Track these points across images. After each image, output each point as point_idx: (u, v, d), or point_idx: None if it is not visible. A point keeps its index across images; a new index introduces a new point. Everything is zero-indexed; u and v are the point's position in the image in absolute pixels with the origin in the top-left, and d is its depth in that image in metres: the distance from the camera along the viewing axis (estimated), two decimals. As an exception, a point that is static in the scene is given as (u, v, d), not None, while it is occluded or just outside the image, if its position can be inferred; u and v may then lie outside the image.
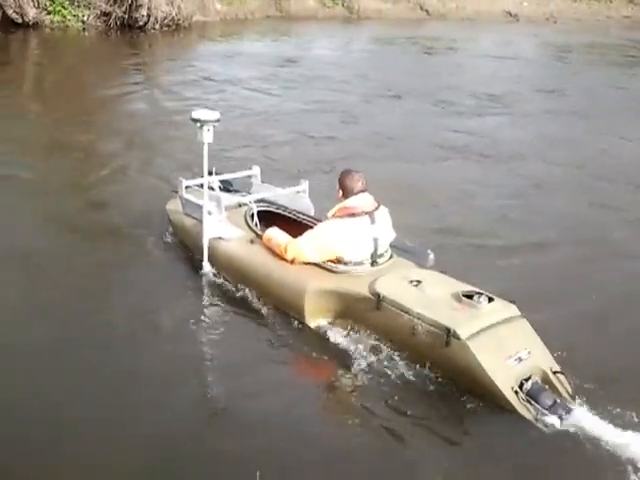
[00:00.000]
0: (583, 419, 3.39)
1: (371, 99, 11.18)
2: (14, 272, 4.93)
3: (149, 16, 16.41)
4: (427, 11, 21.80)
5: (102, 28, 16.44)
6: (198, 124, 4.66)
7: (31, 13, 15.93)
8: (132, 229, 5.62)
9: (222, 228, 4.82)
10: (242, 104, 10.38)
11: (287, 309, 4.35)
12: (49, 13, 16.29)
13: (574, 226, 6.34)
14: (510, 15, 22.24)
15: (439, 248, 4.68)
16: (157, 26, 16.50)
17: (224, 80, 11.97)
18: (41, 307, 4.53)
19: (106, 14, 16.44)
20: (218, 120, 4.69)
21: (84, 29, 16.32)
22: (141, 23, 16.44)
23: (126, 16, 16.38)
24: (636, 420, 3.41)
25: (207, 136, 4.69)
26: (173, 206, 5.33)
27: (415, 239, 4.80)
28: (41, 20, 16.15)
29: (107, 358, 3.97)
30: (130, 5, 16.29)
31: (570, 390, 3.64)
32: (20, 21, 15.89)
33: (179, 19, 16.84)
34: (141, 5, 16.23)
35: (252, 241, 4.70)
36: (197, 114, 4.68)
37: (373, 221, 4.32)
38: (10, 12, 15.80)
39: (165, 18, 16.60)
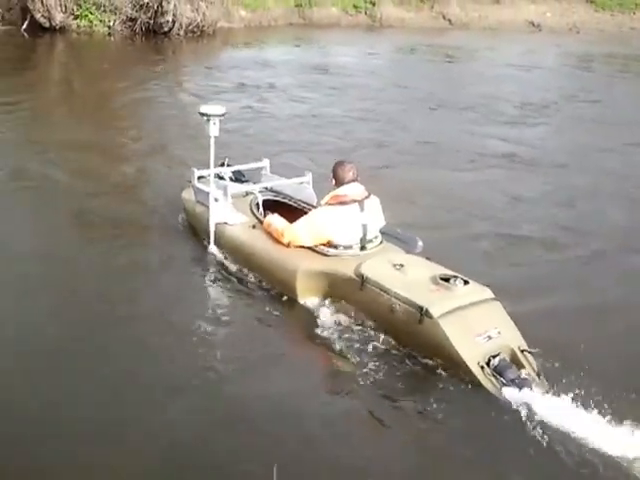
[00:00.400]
0: (545, 395, 3.62)
1: (407, 107, 11.18)
2: (42, 252, 5.39)
3: (174, 22, 16.59)
4: (449, 20, 21.83)
5: (127, 33, 16.64)
6: (205, 118, 5.02)
7: (58, 18, 16.16)
8: (151, 217, 6.11)
9: (227, 214, 5.20)
10: (275, 111, 10.45)
11: (281, 288, 4.72)
12: (76, 18, 16.53)
13: (626, 235, 6.26)
14: (533, 25, 22.21)
15: (480, 253, 4.77)
16: (182, 32, 16.67)
17: (252, 86, 12.03)
18: (66, 285, 4.91)
19: (132, 20, 16.64)
20: (224, 114, 5.04)
21: (110, 34, 16.52)
22: (166, 29, 16.62)
23: (151, 22, 16.58)
24: (596, 398, 3.59)
25: (213, 129, 5.04)
26: (187, 195, 5.71)
27: (460, 246, 5.01)
28: (68, 24, 16.39)
29: (118, 319, 4.41)
30: (156, 11, 16.49)
31: (536, 368, 3.86)
32: (48, 25, 16.15)
33: (204, 25, 16.99)
34: (166, 11, 16.41)
35: (254, 226, 5.07)
36: (204, 109, 5.05)
37: (362, 209, 4.64)
38: (38, 16, 16.05)
39: (190, 24, 16.76)
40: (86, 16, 16.54)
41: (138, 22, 16.56)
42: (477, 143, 9.15)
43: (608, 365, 4.07)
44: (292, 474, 3.19)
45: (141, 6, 16.54)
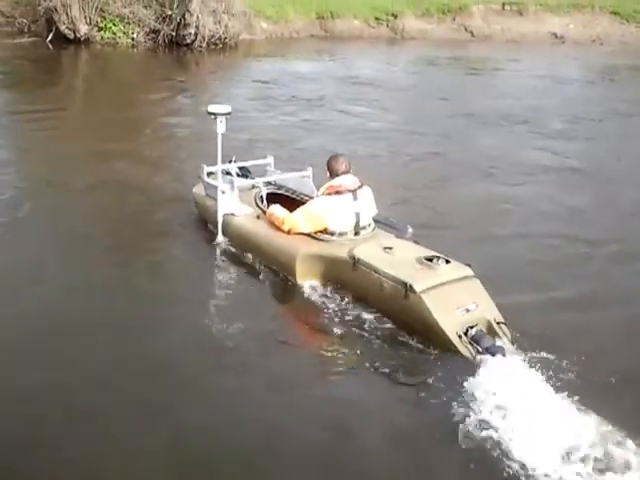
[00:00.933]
0: (518, 361, 4.05)
1: (446, 120, 11.05)
2: (61, 245, 5.93)
3: (196, 34, 16.69)
4: (472, 32, 21.74)
5: (150, 45, 16.75)
6: (213, 117, 5.52)
7: (83, 29, 16.31)
8: (166, 211, 6.65)
9: (234, 206, 5.69)
10: (306, 122, 10.42)
11: (282, 271, 5.22)
12: (100, 29, 16.66)
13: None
14: (556, 37, 22.07)
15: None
16: (204, 44, 16.75)
17: (279, 98, 12.06)
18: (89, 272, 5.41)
19: (155, 32, 16.76)
20: (229, 113, 5.53)
21: (133, 46, 16.64)
22: (188, 41, 16.71)
23: (174, 34, 16.69)
24: (563, 364, 4.12)
25: (220, 126, 5.54)
26: (197, 189, 6.25)
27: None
28: (92, 36, 16.53)
29: (134, 300, 4.97)
30: (178, 23, 16.60)
31: (510, 337, 4.31)
32: (72, 37, 16.29)
33: (226, 37, 17.07)
34: (189, 23, 16.51)
35: (258, 217, 5.58)
36: (212, 108, 5.55)
37: (356, 198, 5.09)
38: (63, 28, 16.22)
39: (212, 36, 16.84)
40: (110, 28, 16.68)
41: (161, 34, 16.67)
42: (526, 155, 9.10)
43: (578, 340, 4.54)
44: (287, 438, 3.61)
45: (164, 18, 16.67)
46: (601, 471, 3.38)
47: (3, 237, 5.96)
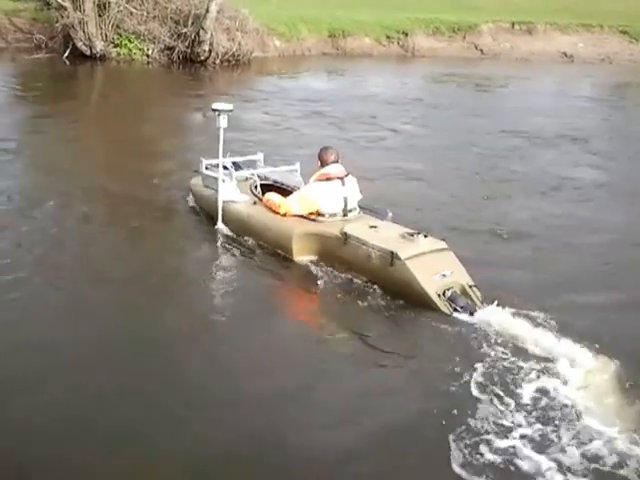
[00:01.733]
0: (486, 315, 4.81)
1: (472, 137, 11.12)
2: (77, 236, 6.41)
3: (210, 51, 16.97)
4: (481, 50, 21.98)
5: (165, 61, 17.04)
6: (216, 113, 6.06)
7: (99, 46, 16.62)
8: (169, 203, 7.20)
9: (233, 194, 6.23)
10: (323, 138, 10.34)
11: (280, 249, 5.74)
12: (116, 46, 16.97)
13: None
14: (565, 56, 22.27)
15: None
16: (218, 61, 17.05)
17: (291, 114, 12.23)
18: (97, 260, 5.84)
19: (170, 48, 17.05)
20: (231, 110, 6.08)
21: (148, 62, 16.93)
22: (202, 58, 16.99)
23: (188, 51, 16.97)
24: (524, 312, 4.86)
25: (222, 122, 6.08)
26: (195, 182, 6.82)
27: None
28: (108, 52, 16.84)
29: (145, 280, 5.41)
30: (193, 40, 16.88)
31: (480, 297, 5.00)
32: (89, 53, 16.62)
33: (239, 55, 17.34)
34: (203, 41, 16.78)
35: (255, 203, 6.14)
36: (216, 105, 6.09)
37: (343, 184, 5.73)
38: (80, 44, 16.54)
39: (226, 53, 17.13)
40: (126, 45, 16.98)
41: (176, 51, 16.96)
42: (563, 173, 9.13)
43: (536, 292, 5.26)
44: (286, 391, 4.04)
45: (179, 35, 16.96)
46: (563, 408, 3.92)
47: (31, 234, 6.31)
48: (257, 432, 3.68)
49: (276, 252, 5.74)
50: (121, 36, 16.98)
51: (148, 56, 17.02)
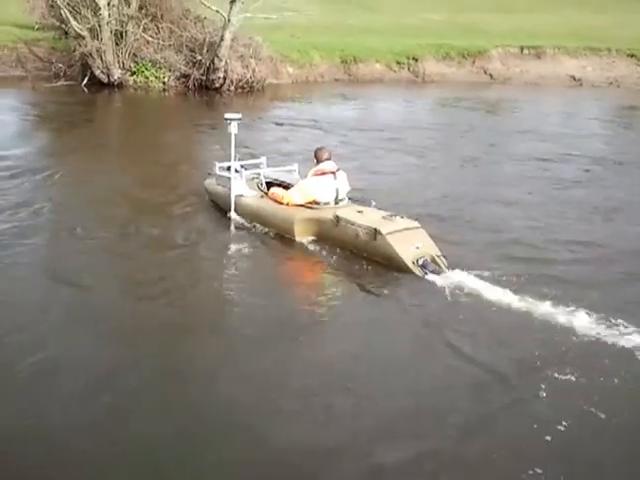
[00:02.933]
0: (451, 277, 6.08)
1: (494, 160, 11.39)
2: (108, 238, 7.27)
3: (225, 78, 17.31)
4: (491, 75, 22.27)
5: (181, 89, 17.38)
6: (227, 121, 7.43)
7: (116, 74, 17.00)
8: (188, 202, 8.38)
9: (243, 189, 7.51)
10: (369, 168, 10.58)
11: (284, 233, 7.02)
12: (133, 74, 17.34)
13: None
14: (574, 79, 22.53)
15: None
16: (232, 88, 17.36)
17: (310, 137, 12.49)
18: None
19: (185, 76, 17.40)
20: (240, 119, 7.46)
21: (164, 89, 17.27)
22: (217, 85, 17.33)
23: (204, 78, 17.31)
24: (485, 274, 6.14)
25: (233, 129, 7.44)
26: (208, 181, 8.15)
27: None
28: (125, 80, 17.21)
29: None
30: (208, 68, 17.24)
31: (446, 264, 6.26)
32: (106, 81, 17.00)
33: (253, 81, 17.66)
34: (218, 68, 17.14)
35: (262, 196, 7.45)
36: (228, 115, 7.47)
37: (335, 178, 7.02)
38: (97, 72, 16.93)
39: (240, 80, 17.45)
40: (142, 72, 17.35)
41: (191, 78, 17.30)
42: (574, 194, 9.42)
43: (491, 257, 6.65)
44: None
45: (194, 63, 17.33)
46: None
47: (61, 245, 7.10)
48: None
49: (280, 235, 7.04)
50: (138, 64, 17.35)
51: (164, 83, 17.37)
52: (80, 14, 16.89)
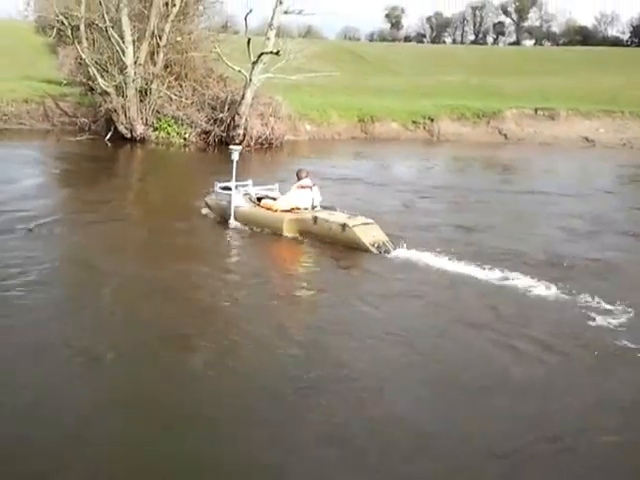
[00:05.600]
0: (397, 254, 8.32)
1: (513, 218, 11.48)
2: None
3: (244, 135, 17.77)
4: (505, 135, 22.67)
5: (201, 144, 17.85)
6: (229, 150, 9.69)
7: (139, 129, 17.53)
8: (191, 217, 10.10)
9: (241, 201, 9.58)
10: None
11: (274, 231, 9.11)
12: (155, 130, 17.87)
13: None
14: (587, 140, 22.87)
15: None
16: (252, 143, 17.79)
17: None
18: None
19: (206, 132, 17.90)
20: (241, 150, 9.94)
21: (185, 145, 17.75)
22: (237, 141, 17.67)
23: (224, 134, 17.79)
24: (429, 253, 8.18)
25: (235, 156, 9.58)
26: (209, 198, 10.16)
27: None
28: (147, 135, 17.74)
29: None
30: (228, 125, 17.73)
31: (393, 246, 8.46)
32: (129, 136, 17.52)
33: (272, 138, 18.14)
34: (238, 125, 17.63)
35: (255, 206, 9.54)
36: (231, 147, 9.79)
37: (312, 190, 9.28)
38: (121, 127, 17.46)
39: (259, 137, 17.95)
40: (165, 128, 17.88)
41: (212, 134, 17.80)
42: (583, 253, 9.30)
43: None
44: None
45: (215, 120, 17.84)
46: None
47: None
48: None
49: (272, 232, 9.08)
50: (160, 120, 17.89)
51: (185, 139, 17.88)
52: (107, 72, 17.55)
